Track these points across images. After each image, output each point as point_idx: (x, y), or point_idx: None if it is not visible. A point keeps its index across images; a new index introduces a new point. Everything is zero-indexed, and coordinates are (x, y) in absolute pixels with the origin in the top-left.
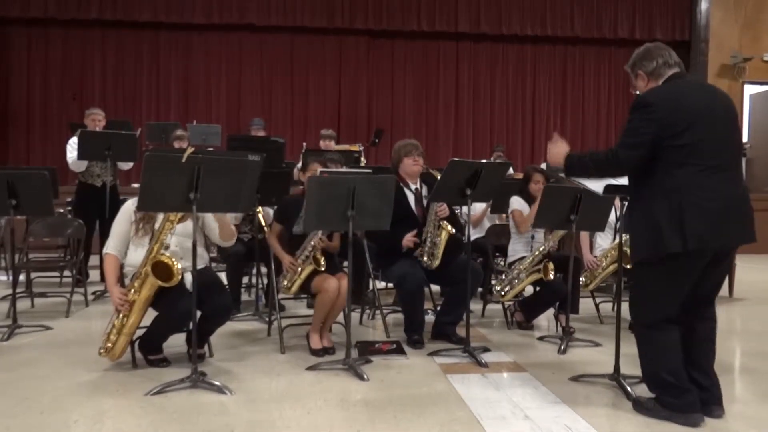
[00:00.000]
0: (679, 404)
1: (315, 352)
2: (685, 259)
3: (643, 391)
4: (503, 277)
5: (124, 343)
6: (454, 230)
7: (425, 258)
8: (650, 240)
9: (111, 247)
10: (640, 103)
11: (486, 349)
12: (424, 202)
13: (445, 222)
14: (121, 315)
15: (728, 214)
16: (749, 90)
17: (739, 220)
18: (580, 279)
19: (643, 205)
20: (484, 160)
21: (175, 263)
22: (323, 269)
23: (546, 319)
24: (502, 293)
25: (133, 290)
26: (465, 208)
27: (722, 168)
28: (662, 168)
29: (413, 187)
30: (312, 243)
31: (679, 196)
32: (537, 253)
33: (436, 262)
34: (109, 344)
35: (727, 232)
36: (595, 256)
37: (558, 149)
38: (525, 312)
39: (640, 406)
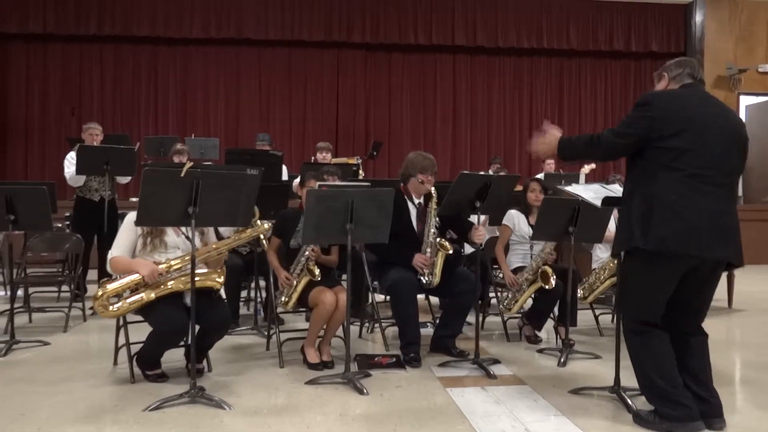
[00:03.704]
0: (678, 415)
1: (313, 366)
2: (656, 261)
3: (643, 403)
4: (507, 295)
5: (125, 311)
6: (451, 251)
7: (426, 278)
8: (624, 235)
9: (116, 253)
10: (640, 102)
11: (496, 361)
12: (428, 221)
13: (442, 241)
14: (148, 288)
15: (706, 226)
16: (745, 101)
17: (722, 236)
18: (578, 292)
19: (627, 202)
20: (489, 172)
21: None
22: (318, 279)
23: (545, 332)
24: (509, 308)
25: (172, 272)
26: None
27: (710, 182)
28: (648, 169)
29: (417, 201)
30: (305, 254)
31: (654, 197)
32: (534, 264)
33: (436, 280)
34: (113, 299)
35: (703, 244)
36: (594, 269)
37: (552, 133)
38: (532, 322)
39: (640, 419)
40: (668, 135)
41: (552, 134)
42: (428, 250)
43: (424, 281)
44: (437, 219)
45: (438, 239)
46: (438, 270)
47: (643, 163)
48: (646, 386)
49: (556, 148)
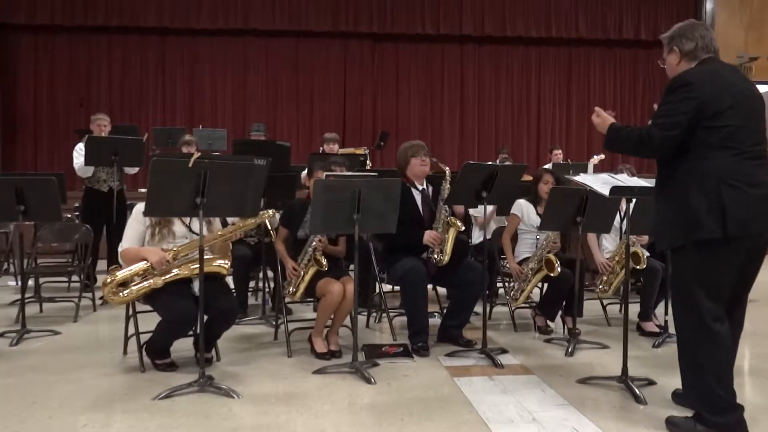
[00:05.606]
0: (724, 422)
1: (320, 356)
2: (724, 246)
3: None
4: (513, 285)
5: (133, 297)
6: (463, 227)
7: (435, 255)
8: (685, 226)
9: (126, 245)
10: (678, 83)
11: (503, 351)
12: (439, 201)
13: (453, 218)
14: (156, 275)
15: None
16: None
17: None
18: (598, 287)
19: (673, 189)
20: (497, 162)
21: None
22: (326, 269)
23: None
24: (516, 298)
25: (179, 259)
26: (471, 210)
27: (759, 156)
28: (696, 151)
29: (420, 187)
30: (312, 245)
31: (716, 181)
32: (538, 253)
33: (446, 258)
34: (120, 287)
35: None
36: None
37: (604, 117)
38: (544, 313)
39: (675, 427)
40: (719, 112)
41: (606, 117)
42: (439, 227)
43: (435, 258)
44: None
45: (449, 217)
46: (448, 248)
47: (687, 146)
48: (697, 389)
49: (606, 130)
